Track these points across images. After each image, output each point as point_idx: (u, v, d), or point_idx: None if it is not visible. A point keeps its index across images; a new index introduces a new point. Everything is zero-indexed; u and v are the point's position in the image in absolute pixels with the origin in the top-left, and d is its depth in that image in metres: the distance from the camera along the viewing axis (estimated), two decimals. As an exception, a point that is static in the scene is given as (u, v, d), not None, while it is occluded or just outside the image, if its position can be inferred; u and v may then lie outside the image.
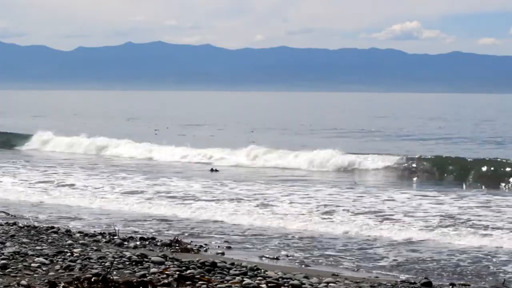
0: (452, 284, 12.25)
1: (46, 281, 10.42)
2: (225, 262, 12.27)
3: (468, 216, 18.71)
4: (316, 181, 26.91)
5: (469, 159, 30.19)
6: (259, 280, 11.13)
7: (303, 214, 19.00)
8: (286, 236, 16.54)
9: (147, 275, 10.97)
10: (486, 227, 17.19)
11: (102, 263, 11.74)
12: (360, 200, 21.28)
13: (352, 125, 65.61)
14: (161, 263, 12.02)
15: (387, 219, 18.29)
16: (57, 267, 11.38)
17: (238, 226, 17.76)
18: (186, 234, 16.62)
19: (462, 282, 12.43)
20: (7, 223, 17.23)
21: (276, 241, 16.01)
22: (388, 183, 27.15)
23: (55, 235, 15.37)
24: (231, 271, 11.68)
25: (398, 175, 29.73)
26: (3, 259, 11.72)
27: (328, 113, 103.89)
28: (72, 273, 11.01)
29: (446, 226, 17.39)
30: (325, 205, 20.31)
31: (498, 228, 17.05)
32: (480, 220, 18.09)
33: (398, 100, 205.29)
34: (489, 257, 14.44)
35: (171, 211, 19.86)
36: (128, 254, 12.52)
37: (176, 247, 14.83)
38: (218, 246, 15.35)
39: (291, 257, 14.42)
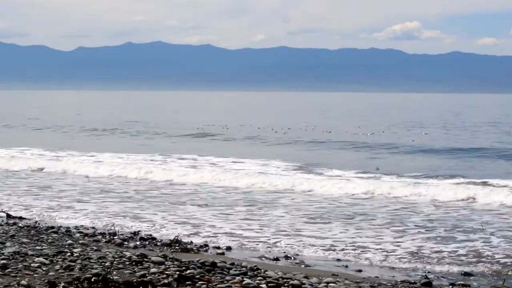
0: (452, 284, 12.26)
1: (46, 281, 10.41)
2: (225, 262, 12.26)
3: None
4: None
5: None
6: (259, 280, 11.12)
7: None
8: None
9: (147, 275, 10.96)
10: None
11: (102, 263, 11.73)
12: None
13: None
14: (161, 263, 12.01)
15: None
16: (57, 267, 11.37)
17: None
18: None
19: (462, 282, 12.43)
20: (7, 223, 17.24)
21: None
22: None
23: (55, 235, 15.36)
24: (231, 271, 11.67)
25: None
26: (3, 259, 11.71)
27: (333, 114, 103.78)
28: (72, 273, 11.00)
29: None
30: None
31: None
32: None
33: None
34: None
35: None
36: (128, 254, 12.51)
37: (176, 247, 14.82)
38: (218, 247, 15.33)
39: (291, 257, 14.43)
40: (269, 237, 16.44)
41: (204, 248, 15.01)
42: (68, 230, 16.38)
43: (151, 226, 17.65)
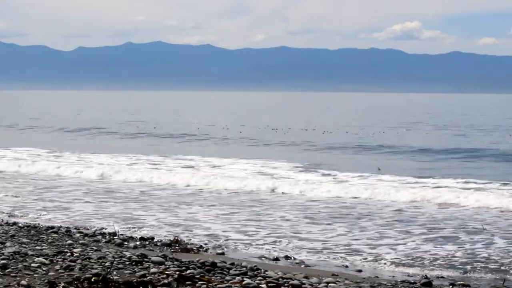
0: (452, 284, 12.26)
1: (46, 281, 10.40)
2: (225, 262, 12.25)
3: None
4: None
5: None
6: (259, 280, 11.11)
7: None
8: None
9: (147, 275, 10.95)
10: None
11: (102, 263, 11.72)
12: None
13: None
14: (161, 263, 12.01)
15: None
16: (57, 267, 11.36)
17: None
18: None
19: (462, 282, 12.43)
20: (7, 223, 17.22)
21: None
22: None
23: (55, 235, 15.35)
24: (231, 271, 11.67)
25: None
26: (3, 259, 11.70)
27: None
28: (72, 273, 10.99)
29: None
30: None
31: None
32: None
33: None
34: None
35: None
36: (128, 254, 12.50)
37: (176, 247, 14.82)
38: (219, 246, 15.33)
39: (291, 257, 14.42)
40: (270, 237, 16.45)
41: (204, 248, 15.01)
42: (68, 230, 16.37)
43: (152, 227, 17.66)
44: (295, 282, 11.03)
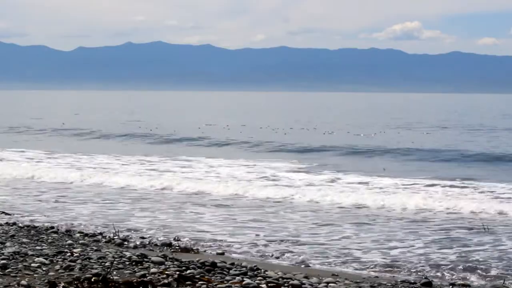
0: (452, 284, 12.26)
1: (46, 281, 10.40)
2: (225, 262, 12.25)
3: None
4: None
5: None
6: (259, 280, 11.11)
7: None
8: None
9: (147, 275, 10.95)
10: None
11: (102, 263, 11.72)
12: None
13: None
14: (161, 263, 12.01)
15: None
16: (57, 267, 11.36)
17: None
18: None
19: (462, 282, 12.43)
20: (7, 223, 17.21)
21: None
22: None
23: (55, 235, 15.34)
24: (231, 271, 11.67)
25: None
26: (3, 259, 11.70)
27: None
28: (72, 273, 10.99)
29: None
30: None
31: None
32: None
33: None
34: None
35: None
36: (128, 254, 12.51)
37: (176, 247, 14.82)
38: (220, 246, 15.32)
39: (291, 257, 14.42)
40: (271, 238, 16.44)
41: (204, 248, 15.00)
42: (68, 230, 16.37)
43: (152, 228, 17.67)
44: (295, 282, 11.03)
